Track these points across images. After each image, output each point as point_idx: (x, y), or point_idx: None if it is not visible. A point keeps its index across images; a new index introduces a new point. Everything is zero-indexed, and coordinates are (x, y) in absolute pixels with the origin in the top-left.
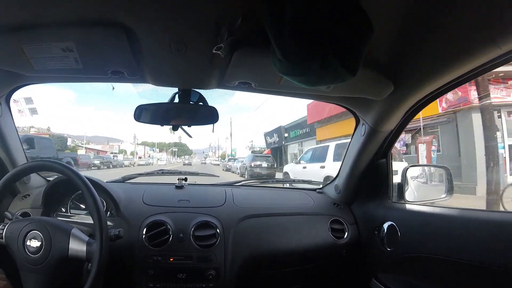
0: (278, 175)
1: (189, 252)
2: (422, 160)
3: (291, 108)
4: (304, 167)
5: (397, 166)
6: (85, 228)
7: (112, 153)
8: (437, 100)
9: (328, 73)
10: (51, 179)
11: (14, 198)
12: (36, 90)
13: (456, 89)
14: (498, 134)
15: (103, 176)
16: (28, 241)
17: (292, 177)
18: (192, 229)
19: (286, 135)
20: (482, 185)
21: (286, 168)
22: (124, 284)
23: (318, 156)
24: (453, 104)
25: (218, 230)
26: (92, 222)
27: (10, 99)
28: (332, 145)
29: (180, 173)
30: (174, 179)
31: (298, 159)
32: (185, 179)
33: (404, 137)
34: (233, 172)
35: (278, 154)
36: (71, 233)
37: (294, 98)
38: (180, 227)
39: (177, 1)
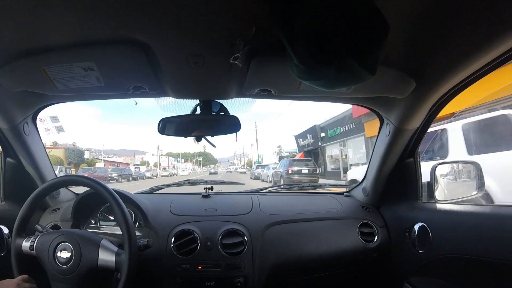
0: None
1: (217, 260)
2: None
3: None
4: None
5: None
6: (115, 239)
7: (134, 165)
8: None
9: (347, 75)
10: (80, 192)
11: (44, 212)
12: (64, 109)
13: None
14: None
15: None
16: (59, 252)
17: None
18: (220, 237)
19: (322, 135)
20: None
21: (351, 174)
22: None
23: (434, 149)
24: None
25: (245, 238)
26: (121, 233)
27: (36, 118)
28: (456, 127)
29: (206, 182)
30: (200, 189)
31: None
32: (211, 188)
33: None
34: (263, 180)
35: (313, 157)
36: (100, 244)
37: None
38: (207, 236)
39: (190, 18)
